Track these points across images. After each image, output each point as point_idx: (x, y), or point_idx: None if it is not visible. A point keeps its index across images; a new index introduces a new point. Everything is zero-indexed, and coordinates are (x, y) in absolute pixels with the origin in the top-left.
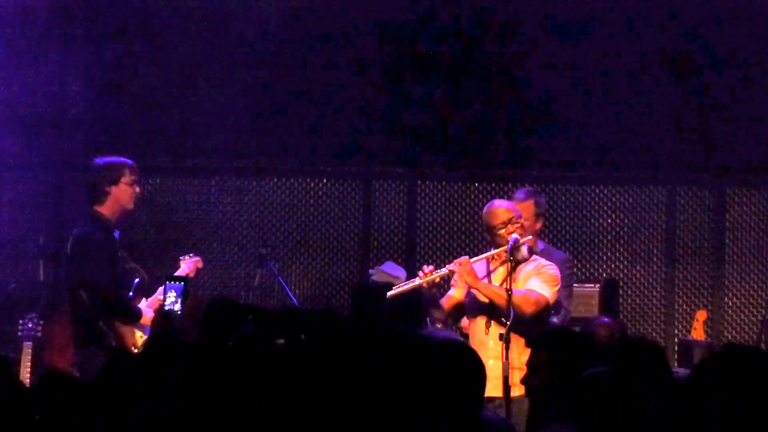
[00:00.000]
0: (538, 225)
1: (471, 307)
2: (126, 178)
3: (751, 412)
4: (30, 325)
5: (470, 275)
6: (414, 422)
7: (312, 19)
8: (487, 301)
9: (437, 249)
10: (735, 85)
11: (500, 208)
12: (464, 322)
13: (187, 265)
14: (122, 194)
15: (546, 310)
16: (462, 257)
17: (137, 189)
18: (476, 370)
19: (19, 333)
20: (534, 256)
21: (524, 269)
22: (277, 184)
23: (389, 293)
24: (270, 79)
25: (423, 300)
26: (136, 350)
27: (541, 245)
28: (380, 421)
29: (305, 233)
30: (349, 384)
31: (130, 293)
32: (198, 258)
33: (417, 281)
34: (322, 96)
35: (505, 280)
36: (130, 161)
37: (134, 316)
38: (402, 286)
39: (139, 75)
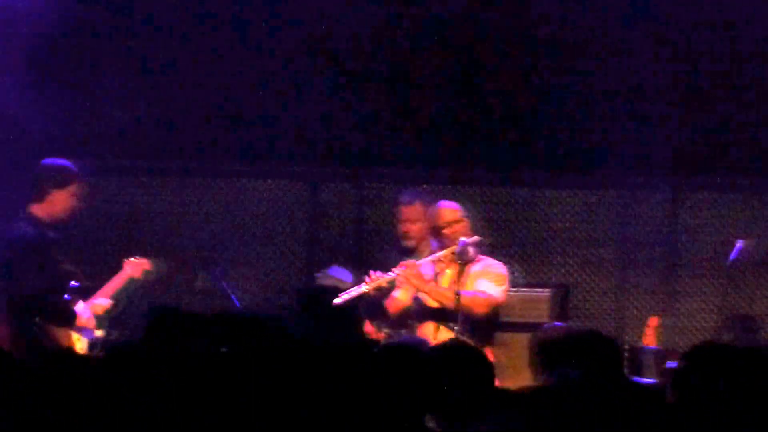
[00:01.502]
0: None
1: (418, 311)
2: (72, 188)
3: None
4: None
5: (417, 278)
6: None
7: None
8: (436, 304)
9: (385, 251)
10: (693, 87)
11: (445, 209)
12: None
13: (130, 268)
14: (63, 201)
15: (496, 309)
16: (408, 260)
17: (77, 203)
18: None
19: None
20: (481, 257)
21: (471, 270)
22: (220, 185)
23: (335, 301)
24: (215, 77)
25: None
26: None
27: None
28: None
29: (250, 235)
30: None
31: (66, 296)
32: (144, 260)
33: (363, 287)
34: (267, 95)
35: (454, 281)
36: (78, 172)
37: (68, 319)
38: (348, 293)
39: (84, 70)
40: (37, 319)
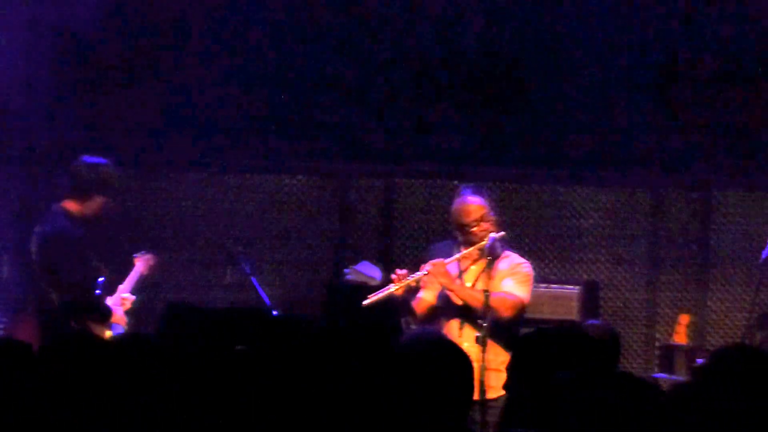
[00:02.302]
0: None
1: (444, 309)
2: (111, 192)
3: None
4: None
5: (445, 277)
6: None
7: (293, 12)
8: (461, 303)
9: (414, 248)
10: (723, 90)
11: (472, 205)
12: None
13: (139, 264)
14: (100, 204)
15: (523, 311)
16: (435, 259)
17: (111, 204)
18: (463, 367)
19: None
20: (506, 252)
21: (498, 267)
22: (250, 180)
23: (364, 302)
24: (246, 74)
25: (396, 307)
26: None
27: None
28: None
29: (279, 231)
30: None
31: (98, 292)
32: (150, 255)
33: (392, 287)
34: (298, 91)
35: (479, 279)
36: (120, 175)
37: (106, 315)
38: (377, 294)
39: (109, 69)
40: (76, 316)
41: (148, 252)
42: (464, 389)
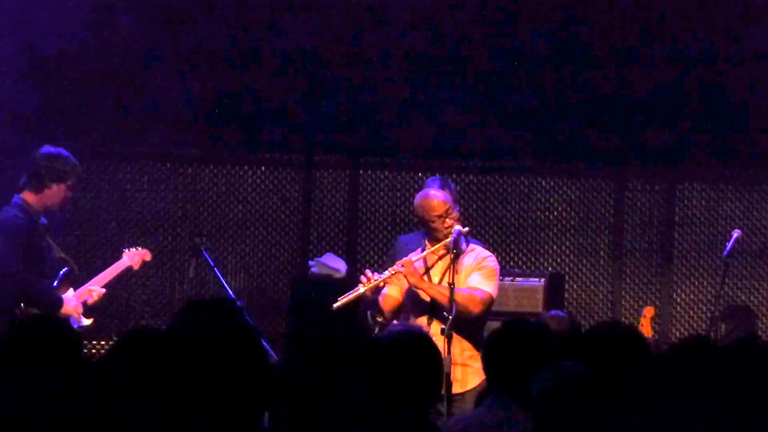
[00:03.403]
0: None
1: (412, 305)
2: (70, 182)
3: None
4: None
5: (414, 276)
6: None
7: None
8: (428, 299)
9: (379, 240)
10: (690, 80)
11: (435, 200)
12: None
13: (129, 258)
14: (58, 194)
15: (491, 306)
16: (404, 258)
17: (71, 195)
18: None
19: None
20: (471, 246)
21: (463, 262)
22: (213, 171)
23: (334, 305)
24: (209, 65)
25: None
26: None
27: None
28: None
29: (243, 223)
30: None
31: (55, 282)
32: (145, 251)
33: (361, 288)
34: (262, 82)
35: (446, 274)
36: (77, 164)
37: (52, 305)
38: (346, 296)
39: (74, 57)
40: (21, 304)
41: (138, 247)
42: (433, 382)
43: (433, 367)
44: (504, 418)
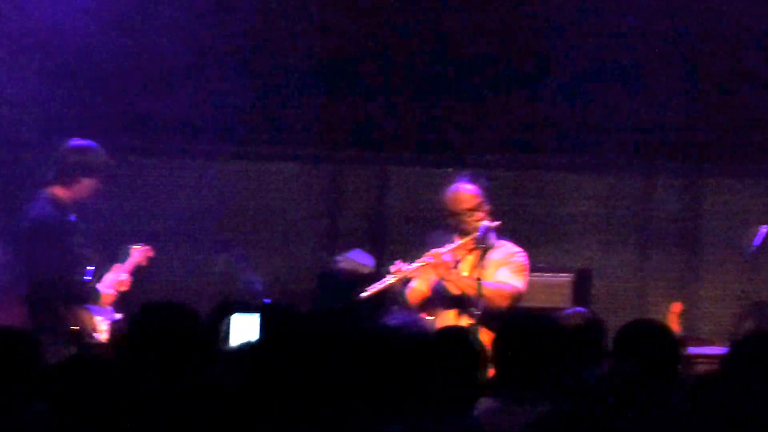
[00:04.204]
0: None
1: (440, 298)
2: (100, 174)
3: None
4: None
5: (443, 268)
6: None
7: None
8: (457, 292)
9: (407, 236)
10: (717, 73)
11: (466, 193)
12: None
13: (137, 254)
14: (89, 188)
15: (519, 301)
16: (433, 250)
17: (101, 188)
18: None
19: None
20: (500, 241)
21: (492, 257)
22: (242, 167)
23: (362, 294)
24: (235, 60)
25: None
26: (96, 334)
27: None
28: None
29: (271, 218)
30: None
31: (88, 277)
32: (148, 247)
33: (389, 279)
34: (291, 78)
35: (474, 269)
36: (107, 157)
37: (91, 297)
38: (375, 286)
39: (101, 51)
40: (61, 300)
41: (144, 243)
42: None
43: (476, 360)
44: (505, 408)
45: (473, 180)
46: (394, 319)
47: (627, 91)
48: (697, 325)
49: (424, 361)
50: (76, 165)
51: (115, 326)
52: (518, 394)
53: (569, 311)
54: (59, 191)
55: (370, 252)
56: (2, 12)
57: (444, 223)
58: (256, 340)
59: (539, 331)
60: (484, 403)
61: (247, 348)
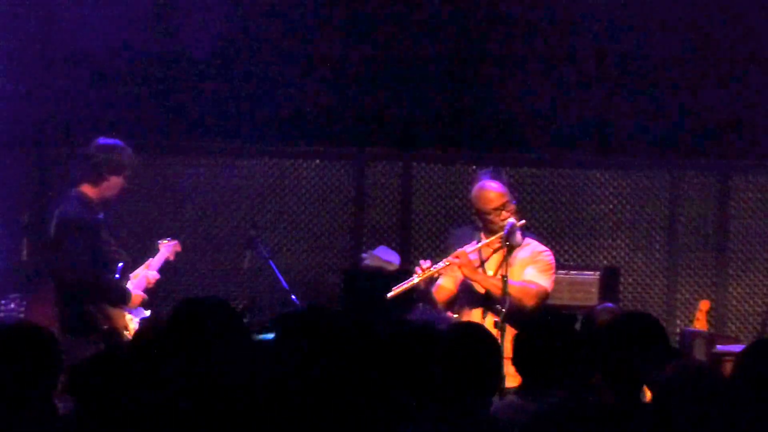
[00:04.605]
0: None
1: (466, 297)
2: (127, 172)
3: None
4: (12, 306)
5: (469, 267)
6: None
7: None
8: (483, 291)
9: (432, 233)
10: (743, 71)
11: (493, 192)
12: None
13: (165, 249)
14: (117, 185)
15: (546, 300)
16: (459, 249)
17: (127, 185)
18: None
19: (1, 313)
20: (527, 240)
21: (518, 255)
22: (267, 164)
23: (389, 294)
24: (260, 57)
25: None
26: (127, 332)
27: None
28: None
29: (296, 215)
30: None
31: (116, 276)
32: (176, 242)
33: (415, 279)
34: (316, 75)
35: (500, 267)
36: (134, 154)
37: (122, 298)
38: (401, 285)
39: (126, 50)
40: (92, 300)
41: (172, 239)
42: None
43: (493, 357)
44: (521, 406)
45: (494, 176)
46: (417, 315)
47: (656, 89)
48: (725, 323)
49: (442, 356)
50: (103, 163)
51: (143, 323)
52: (538, 391)
53: (599, 307)
54: (88, 189)
55: (396, 249)
56: (28, 14)
57: (468, 220)
58: (278, 338)
59: (558, 329)
60: (505, 400)
61: (271, 345)
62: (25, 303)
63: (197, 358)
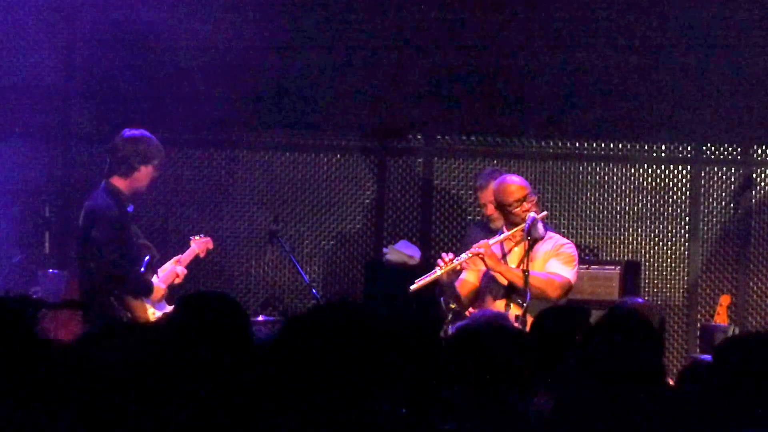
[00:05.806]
0: None
1: (489, 290)
2: (157, 162)
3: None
4: (36, 297)
5: (493, 259)
6: None
7: None
8: (506, 283)
9: (453, 227)
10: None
11: (514, 185)
12: None
13: (197, 245)
14: (146, 176)
15: (569, 291)
16: (482, 241)
17: (156, 175)
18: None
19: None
20: (549, 233)
21: (541, 248)
22: (289, 159)
23: (411, 287)
24: (285, 53)
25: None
26: None
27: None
28: None
29: (318, 209)
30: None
31: (142, 269)
32: (208, 238)
33: (437, 272)
34: (336, 70)
35: (522, 260)
36: (161, 145)
37: (146, 291)
38: (423, 279)
39: (151, 45)
40: (115, 291)
41: (205, 235)
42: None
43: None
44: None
45: (495, 175)
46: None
47: (676, 82)
48: (746, 317)
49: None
50: (132, 154)
51: (163, 318)
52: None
53: (629, 300)
54: (118, 182)
55: (417, 243)
56: (51, 9)
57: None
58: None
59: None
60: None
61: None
62: (44, 311)
63: (196, 352)
